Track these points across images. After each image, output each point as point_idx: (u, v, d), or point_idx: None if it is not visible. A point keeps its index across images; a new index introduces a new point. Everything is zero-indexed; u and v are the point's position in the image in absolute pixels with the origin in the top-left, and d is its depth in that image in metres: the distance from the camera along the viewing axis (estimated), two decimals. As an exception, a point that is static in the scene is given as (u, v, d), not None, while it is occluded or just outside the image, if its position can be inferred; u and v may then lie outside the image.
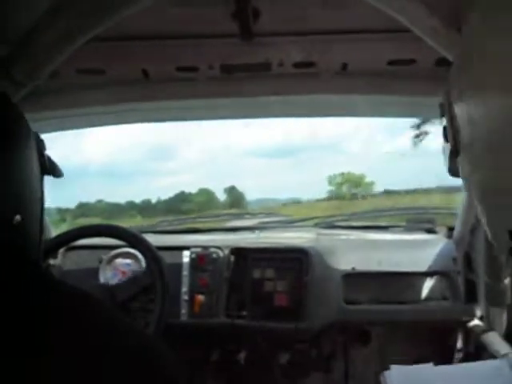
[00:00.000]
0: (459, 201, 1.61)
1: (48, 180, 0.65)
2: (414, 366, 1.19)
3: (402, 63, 1.14)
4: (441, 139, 0.65)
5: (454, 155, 0.61)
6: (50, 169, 0.66)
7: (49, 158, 0.65)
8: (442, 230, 1.79)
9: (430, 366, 1.18)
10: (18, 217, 0.53)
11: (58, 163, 0.67)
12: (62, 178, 0.69)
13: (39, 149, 0.62)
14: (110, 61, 1.17)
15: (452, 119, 0.60)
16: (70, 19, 0.89)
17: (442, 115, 0.65)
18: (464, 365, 1.29)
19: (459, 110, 0.58)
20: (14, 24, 0.91)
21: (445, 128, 0.63)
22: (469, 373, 1.14)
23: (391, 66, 1.15)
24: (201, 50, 1.14)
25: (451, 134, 0.60)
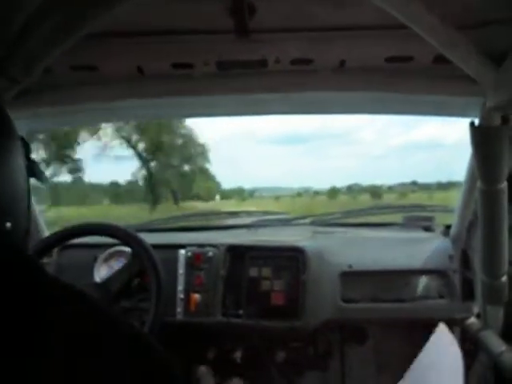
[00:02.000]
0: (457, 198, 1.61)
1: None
2: None
3: (400, 60, 1.13)
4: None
5: None
6: (36, 173, 0.67)
7: (34, 162, 0.66)
8: (439, 228, 1.79)
9: None
10: (8, 224, 0.55)
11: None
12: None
13: (26, 152, 0.63)
14: (105, 57, 1.16)
15: None
16: (63, 15, 0.88)
17: None
18: None
19: None
20: (7, 20, 0.90)
21: None
22: None
23: (389, 63, 1.15)
24: (196, 47, 1.13)
25: None
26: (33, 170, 0.65)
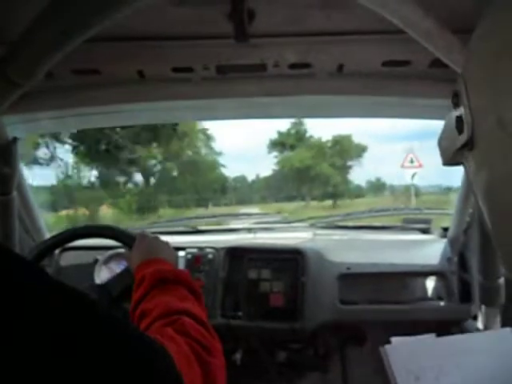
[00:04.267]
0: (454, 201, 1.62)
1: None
2: (416, 338, 1.17)
3: (397, 64, 1.15)
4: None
5: (466, 147, 0.57)
6: None
7: None
8: (437, 230, 1.80)
9: (431, 336, 1.17)
10: None
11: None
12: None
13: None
14: (106, 61, 1.17)
15: (470, 109, 0.57)
16: (65, 19, 0.89)
17: (456, 104, 0.61)
18: (466, 335, 1.27)
19: (476, 99, 0.55)
20: (9, 24, 0.91)
21: (459, 118, 0.59)
22: (472, 342, 1.13)
23: (386, 68, 1.16)
24: (196, 51, 1.14)
25: (467, 125, 0.57)
26: None
